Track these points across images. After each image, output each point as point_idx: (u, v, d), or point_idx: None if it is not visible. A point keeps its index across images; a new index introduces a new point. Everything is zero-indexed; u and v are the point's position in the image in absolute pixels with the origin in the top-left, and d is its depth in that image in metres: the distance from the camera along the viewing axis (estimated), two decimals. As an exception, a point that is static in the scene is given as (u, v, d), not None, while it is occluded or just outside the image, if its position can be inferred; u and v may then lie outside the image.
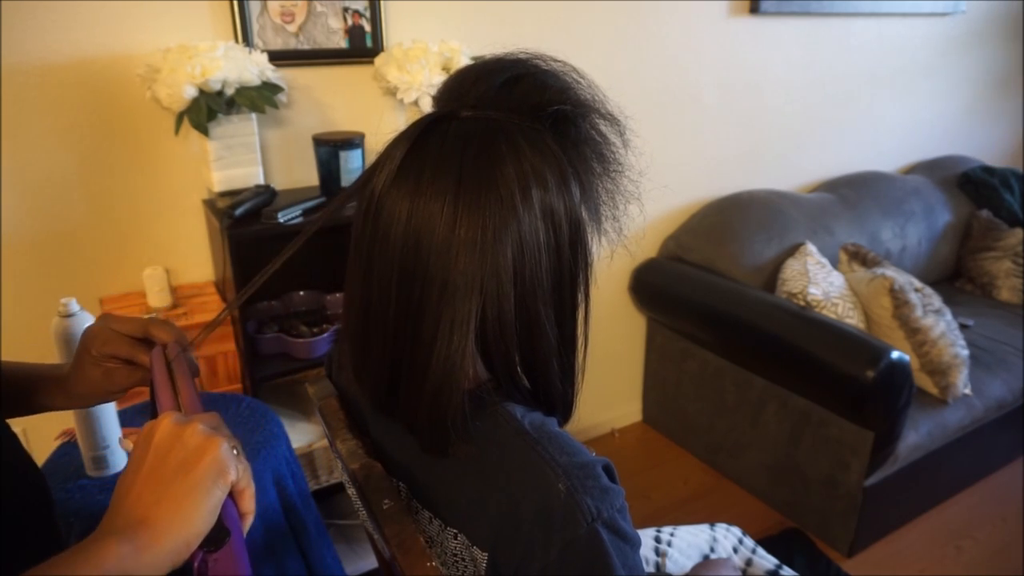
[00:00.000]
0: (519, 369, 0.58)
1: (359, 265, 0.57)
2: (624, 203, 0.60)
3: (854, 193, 2.40)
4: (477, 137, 0.53)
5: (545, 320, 0.56)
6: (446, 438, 0.56)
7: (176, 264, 1.53)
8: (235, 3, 1.40)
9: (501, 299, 0.53)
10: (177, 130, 1.34)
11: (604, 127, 0.59)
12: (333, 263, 1.60)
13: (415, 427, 0.58)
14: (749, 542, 1.11)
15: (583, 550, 0.49)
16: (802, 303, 1.89)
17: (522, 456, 0.54)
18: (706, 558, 1.07)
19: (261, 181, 1.45)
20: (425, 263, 0.52)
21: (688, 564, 1.05)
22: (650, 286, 2.16)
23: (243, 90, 1.32)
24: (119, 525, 0.42)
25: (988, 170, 2.68)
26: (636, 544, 0.53)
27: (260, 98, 1.33)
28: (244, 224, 1.31)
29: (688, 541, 1.08)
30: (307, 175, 1.60)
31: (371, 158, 1.06)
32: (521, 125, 0.55)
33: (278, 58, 1.45)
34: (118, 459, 1.09)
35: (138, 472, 0.44)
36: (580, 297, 0.60)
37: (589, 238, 0.59)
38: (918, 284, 1.99)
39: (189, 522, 0.42)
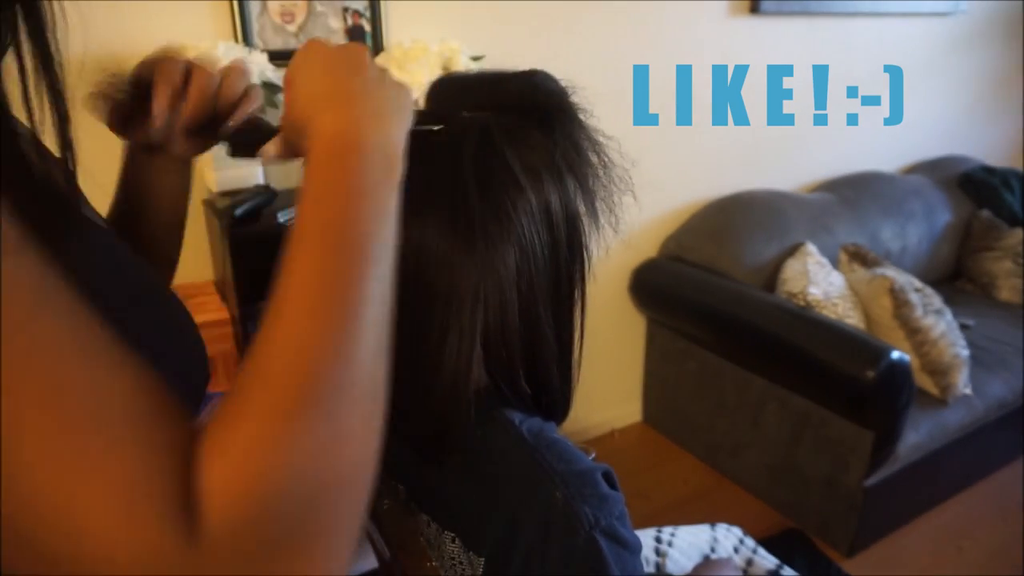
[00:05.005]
0: (520, 372, 0.58)
1: None
2: (618, 193, 0.60)
3: (854, 193, 2.40)
4: (470, 144, 0.53)
5: (545, 323, 0.56)
6: (446, 448, 0.56)
7: (176, 264, 1.53)
8: (235, 3, 1.40)
9: (504, 306, 0.53)
10: (177, 130, 1.34)
11: (593, 127, 0.60)
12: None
13: (417, 439, 0.57)
14: (750, 542, 1.11)
15: (581, 558, 0.49)
16: (802, 303, 1.89)
17: (520, 463, 0.54)
18: (706, 558, 1.07)
19: (261, 181, 1.45)
20: (426, 274, 0.52)
21: (688, 564, 1.05)
22: (650, 286, 2.16)
23: (243, 90, 1.31)
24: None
25: (988, 170, 2.68)
26: (636, 550, 0.53)
27: (260, 98, 1.32)
28: (244, 224, 1.31)
29: (688, 541, 1.08)
30: (307, 175, 1.60)
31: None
32: (511, 124, 0.55)
33: (278, 58, 1.45)
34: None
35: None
36: (577, 294, 0.59)
37: (586, 232, 0.59)
38: (918, 284, 1.99)
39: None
